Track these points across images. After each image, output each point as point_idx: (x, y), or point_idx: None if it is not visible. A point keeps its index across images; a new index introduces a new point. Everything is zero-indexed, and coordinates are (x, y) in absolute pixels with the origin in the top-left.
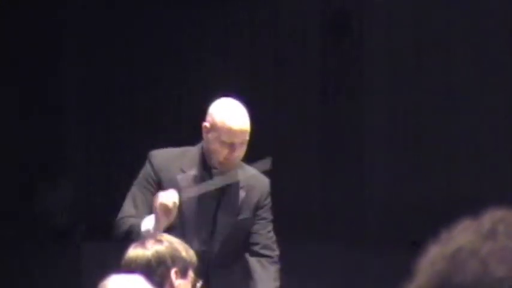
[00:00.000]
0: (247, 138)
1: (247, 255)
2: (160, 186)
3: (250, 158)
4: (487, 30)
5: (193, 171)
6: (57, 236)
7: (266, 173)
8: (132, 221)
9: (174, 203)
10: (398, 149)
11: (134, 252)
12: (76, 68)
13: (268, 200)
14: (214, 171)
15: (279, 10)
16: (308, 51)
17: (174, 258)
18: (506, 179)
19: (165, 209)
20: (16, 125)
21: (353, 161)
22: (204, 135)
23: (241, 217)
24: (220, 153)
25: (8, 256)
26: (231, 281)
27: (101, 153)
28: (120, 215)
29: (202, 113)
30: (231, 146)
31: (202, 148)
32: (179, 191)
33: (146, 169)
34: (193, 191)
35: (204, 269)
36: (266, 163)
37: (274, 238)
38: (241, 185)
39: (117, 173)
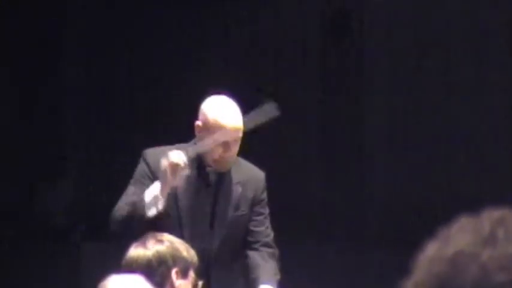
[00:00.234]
0: (241, 135)
1: (247, 251)
2: None
3: (250, 158)
4: (487, 30)
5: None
6: (57, 236)
7: (274, 121)
8: (130, 201)
9: (184, 162)
10: (398, 149)
11: (135, 252)
12: (76, 68)
13: (265, 194)
14: (208, 169)
15: (279, 10)
16: (308, 51)
17: (175, 258)
18: (506, 179)
19: (175, 167)
20: (16, 125)
21: (353, 161)
22: (197, 134)
23: (238, 212)
24: (215, 152)
25: (8, 256)
26: (231, 280)
27: (101, 153)
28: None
29: None
30: (225, 145)
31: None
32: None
33: (142, 168)
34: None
35: (204, 268)
36: (272, 109)
37: (272, 235)
38: (237, 180)
39: (117, 173)
